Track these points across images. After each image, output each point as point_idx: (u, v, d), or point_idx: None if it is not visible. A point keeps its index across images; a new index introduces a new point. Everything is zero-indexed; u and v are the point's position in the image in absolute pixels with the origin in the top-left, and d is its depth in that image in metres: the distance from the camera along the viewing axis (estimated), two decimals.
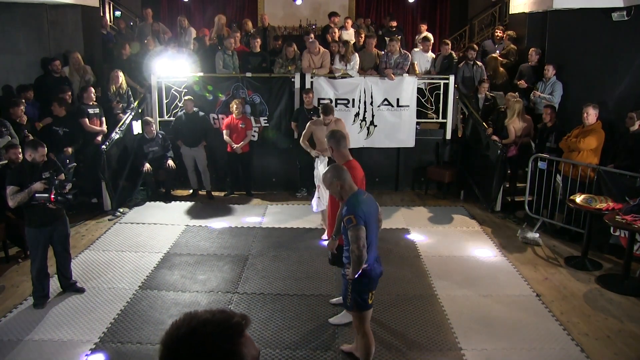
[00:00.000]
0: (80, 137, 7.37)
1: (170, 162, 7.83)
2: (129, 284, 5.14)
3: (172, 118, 8.31)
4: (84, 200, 7.14)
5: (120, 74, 8.07)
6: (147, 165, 7.67)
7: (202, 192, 8.20)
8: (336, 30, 9.38)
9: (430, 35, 9.06)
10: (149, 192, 7.98)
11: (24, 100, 6.95)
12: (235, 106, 7.86)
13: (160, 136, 7.87)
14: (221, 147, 8.12)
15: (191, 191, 8.24)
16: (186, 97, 8.05)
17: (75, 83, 8.12)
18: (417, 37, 9.80)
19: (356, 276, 3.40)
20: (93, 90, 7.63)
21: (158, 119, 8.31)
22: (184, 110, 8.01)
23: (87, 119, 7.45)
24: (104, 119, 7.67)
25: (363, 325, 3.58)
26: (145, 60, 8.52)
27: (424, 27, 10.02)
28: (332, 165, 3.70)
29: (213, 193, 8.22)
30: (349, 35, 9.36)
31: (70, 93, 7.58)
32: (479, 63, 8.61)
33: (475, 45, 9.11)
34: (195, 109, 8.02)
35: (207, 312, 1.25)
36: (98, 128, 7.57)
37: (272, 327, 4.34)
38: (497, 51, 9.34)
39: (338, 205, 4.05)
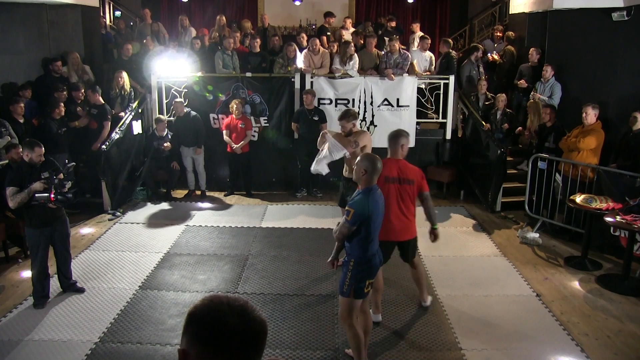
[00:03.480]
0: (70, 136, 7.38)
1: (174, 163, 7.86)
2: (129, 284, 5.14)
3: (172, 118, 8.30)
4: (82, 200, 7.13)
5: (124, 74, 8.06)
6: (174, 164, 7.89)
7: (198, 192, 8.19)
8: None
9: (426, 35, 9.07)
10: (149, 192, 7.98)
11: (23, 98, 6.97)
12: (235, 106, 7.85)
13: (170, 137, 7.89)
14: (221, 147, 8.12)
15: (187, 191, 8.24)
16: (176, 100, 8.02)
17: (74, 83, 8.11)
18: (410, 36, 9.80)
19: (357, 264, 3.55)
20: (99, 90, 7.65)
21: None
22: (175, 115, 8.00)
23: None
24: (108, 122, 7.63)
25: (350, 315, 3.62)
26: (145, 60, 8.52)
27: (416, 26, 10.01)
28: (372, 154, 3.70)
29: (213, 193, 8.21)
30: (349, 35, 9.36)
31: (65, 92, 7.52)
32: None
33: (480, 46, 9.06)
34: (186, 109, 7.99)
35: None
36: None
37: (272, 327, 4.33)
38: (496, 51, 9.36)
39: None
